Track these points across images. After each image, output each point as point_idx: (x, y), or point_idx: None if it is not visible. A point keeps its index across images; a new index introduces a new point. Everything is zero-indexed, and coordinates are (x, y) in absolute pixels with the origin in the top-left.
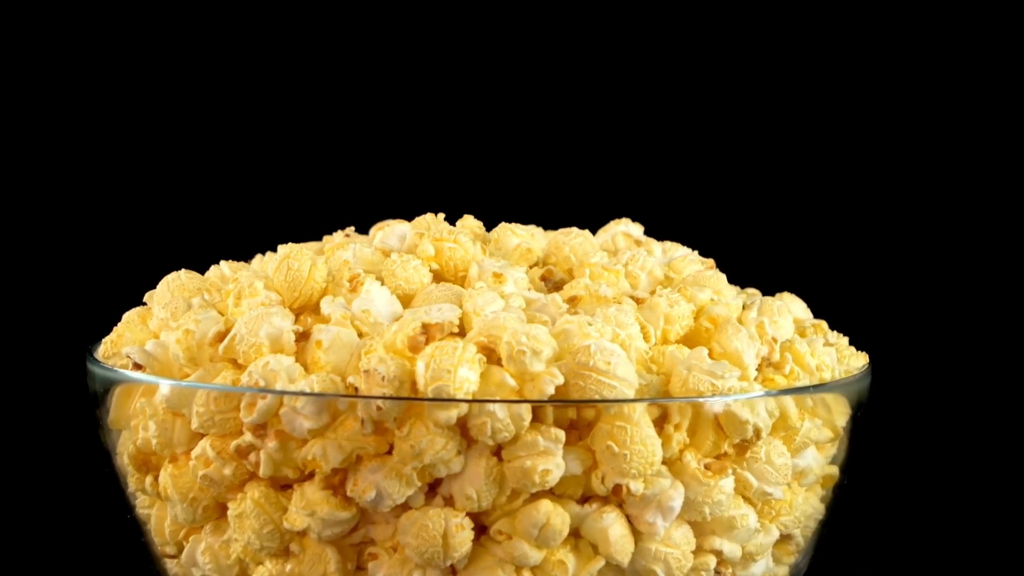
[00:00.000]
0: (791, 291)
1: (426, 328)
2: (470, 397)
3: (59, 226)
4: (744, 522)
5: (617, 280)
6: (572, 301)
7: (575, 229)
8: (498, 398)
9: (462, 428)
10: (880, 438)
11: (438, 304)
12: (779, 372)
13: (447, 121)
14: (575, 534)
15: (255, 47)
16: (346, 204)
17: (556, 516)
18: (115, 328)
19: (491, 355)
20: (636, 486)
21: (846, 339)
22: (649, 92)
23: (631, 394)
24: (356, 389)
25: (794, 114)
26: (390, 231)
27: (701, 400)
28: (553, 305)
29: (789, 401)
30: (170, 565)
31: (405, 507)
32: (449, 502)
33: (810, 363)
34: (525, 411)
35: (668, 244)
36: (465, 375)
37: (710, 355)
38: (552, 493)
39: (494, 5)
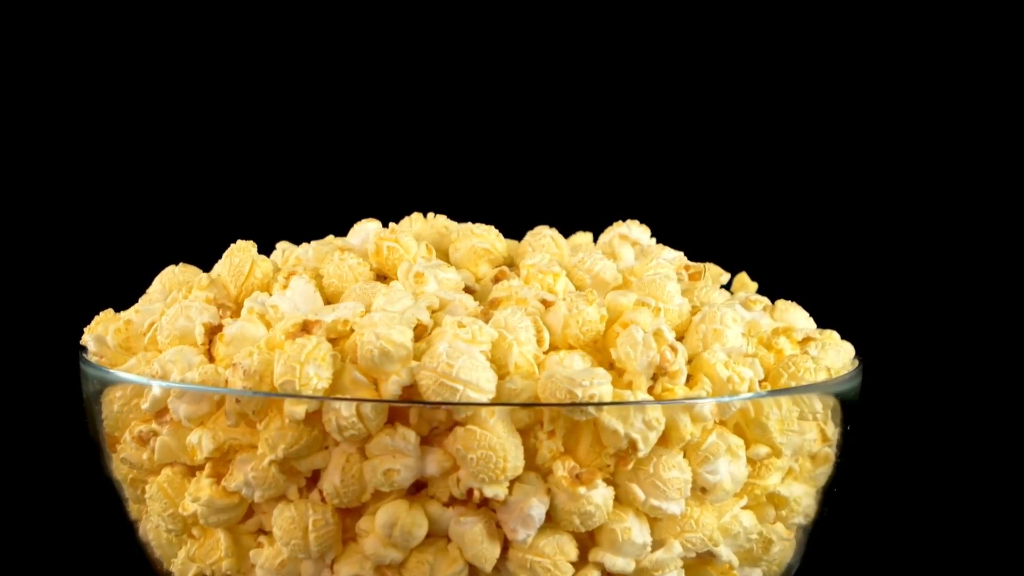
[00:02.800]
0: (810, 297)
1: (306, 325)
2: (319, 394)
3: (72, 222)
4: (627, 536)
5: (556, 282)
6: (494, 303)
7: (544, 229)
8: (346, 396)
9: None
10: (874, 452)
11: (347, 302)
12: (673, 381)
13: (473, 125)
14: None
15: (260, 48)
16: (366, 202)
17: (407, 517)
18: (95, 318)
19: None
20: (492, 491)
21: (835, 351)
22: (670, 101)
23: (481, 398)
24: (227, 382)
25: (815, 121)
26: (359, 229)
27: (547, 406)
28: (461, 307)
29: (680, 412)
30: None
31: (284, 498)
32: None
33: (720, 374)
34: (373, 410)
35: (658, 247)
36: (312, 372)
37: (605, 361)
38: (426, 494)
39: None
